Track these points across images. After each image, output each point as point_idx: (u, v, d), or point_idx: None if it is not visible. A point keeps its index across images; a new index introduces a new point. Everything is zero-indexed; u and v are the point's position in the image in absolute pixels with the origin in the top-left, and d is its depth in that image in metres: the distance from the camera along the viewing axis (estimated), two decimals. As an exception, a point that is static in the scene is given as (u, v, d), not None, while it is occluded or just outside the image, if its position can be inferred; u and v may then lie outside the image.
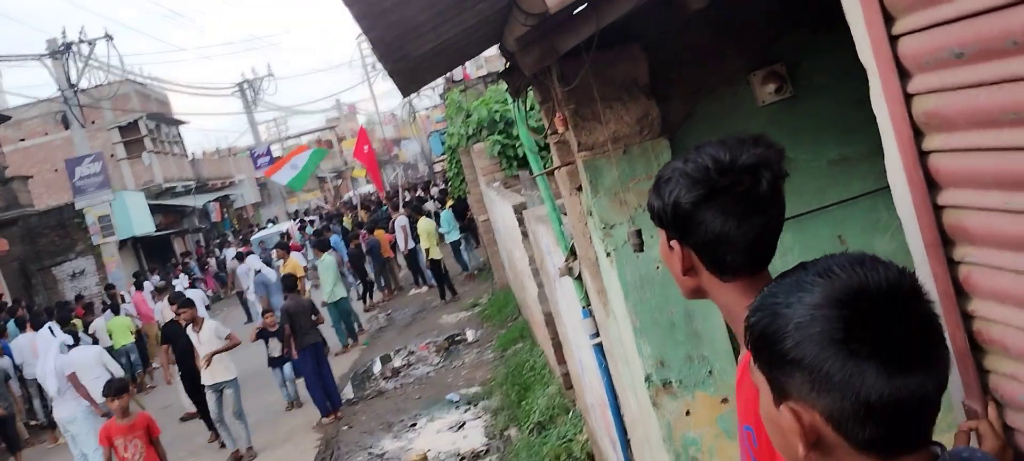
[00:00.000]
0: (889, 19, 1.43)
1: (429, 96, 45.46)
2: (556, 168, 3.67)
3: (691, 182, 1.58)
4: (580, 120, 3.21)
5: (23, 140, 33.32)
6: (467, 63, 20.67)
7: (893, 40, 1.43)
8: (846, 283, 1.12)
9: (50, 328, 11.76)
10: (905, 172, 1.51)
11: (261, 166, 44.16)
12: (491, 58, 24.48)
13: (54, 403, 10.78)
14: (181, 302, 11.05)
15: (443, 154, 25.50)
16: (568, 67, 3.08)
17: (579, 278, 4.46)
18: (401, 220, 20.63)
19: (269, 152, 45.97)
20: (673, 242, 1.67)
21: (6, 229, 25.16)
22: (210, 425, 11.45)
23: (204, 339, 10.60)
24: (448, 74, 20.78)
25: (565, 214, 4.60)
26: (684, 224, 1.61)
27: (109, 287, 22.14)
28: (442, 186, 25.08)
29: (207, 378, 10.67)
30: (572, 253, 4.44)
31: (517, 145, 12.72)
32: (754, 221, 1.57)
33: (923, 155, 1.46)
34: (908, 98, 1.45)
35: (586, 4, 2.52)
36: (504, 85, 13.89)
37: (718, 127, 3.33)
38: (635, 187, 3.31)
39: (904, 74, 1.45)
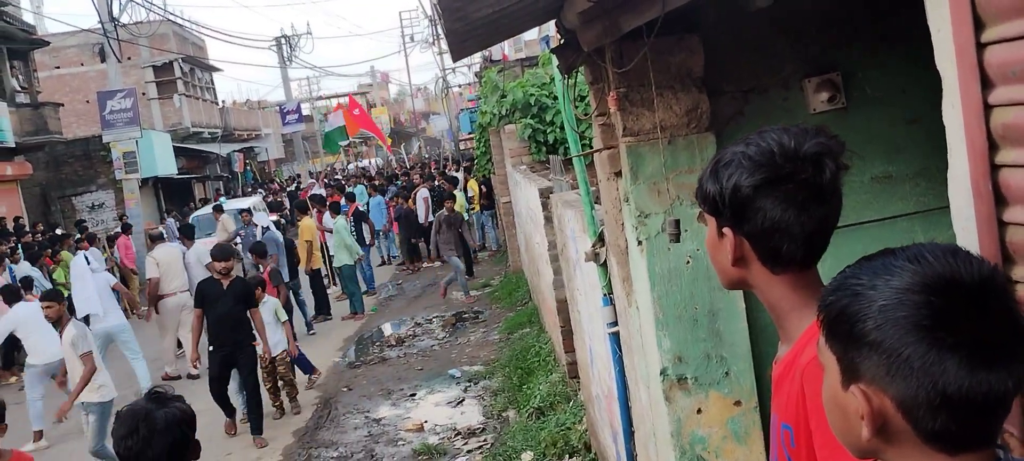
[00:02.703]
0: (978, 26, 1.41)
1: (464, 74, 45.56)
2: (597, 151, 3.66)
3: (754, 166, 1.55)
4: (628, 105, 3.19)
5: (58, 68, 33.54)
6: (506, 44, 20.67)
7: (980, 47, 1.41)
8: (938, 271, 1.11)
9: (86, 257, 12.43)
10: (973, 184, 1.49)
11: (289, 123, 44.30)
12: (530, 42, 24.46)
13: (103, 318, 11.41)
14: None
15: (471, 132, 25.54)
16: (624, 49, 3.06)
17: (604, 265, 4.45)
18: (423, 192, 20.68)
19: (299, 109, 46.10)
20: (725, 229, 1.64)
21: (32, 153, 25.36)
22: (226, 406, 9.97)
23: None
24: (487, 52, 20.78)
25: (598, 202, 4.59)
26: (742, 210, 1.58)
27: (81, 224, 22.41)
28: (468, 165, 25.10)
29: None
30: (600, 239, 4.43)
31: (548, 130, 12.70)
32: (814, 212, 1.55)
33: (994, 169, 1.45)
34: (987, 109, 1.43)
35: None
36: (541, 70, 13.95)
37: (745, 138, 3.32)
38: (676, 179, 3.30)
39: (987, 83, 1.43)
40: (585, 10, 2.61)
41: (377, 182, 24.49)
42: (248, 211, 18.81)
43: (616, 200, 3.70)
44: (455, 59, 4.06)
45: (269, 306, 10.18)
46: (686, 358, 3.52)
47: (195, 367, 10.31)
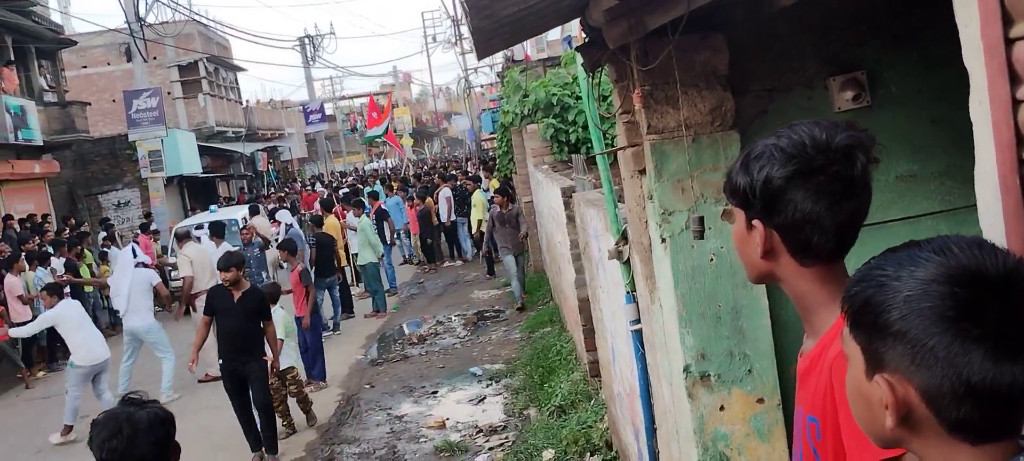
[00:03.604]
0: (1007, 22, 1.42)
1: (486, 74, 45.66)
2: (621, 148, 3.68)
3: (785, 158, 1.56)
4: (653, 102, 3.21)
5: (85, 67, 33.91)
6: (528, 44, 20.69)
7: (1009, 44, 1.42)
8: (964, 263, 1.12)
9: (133, 249, 12.48)
10: (1000, 180, 1.50)
11: (313, 122, 44.58)
12: (552, 42, 24.49)
13: (127, 316, 11.60)
14: None
15: (493, 132, 25.58)
16: (649, 47, 3.08)
17: (627, 263, 4.46)
18: (445, 192, 20.75)
19: (322, 109, 46.39)
20: (755, 222, 1.65)
21: (60, 152, 25.65)
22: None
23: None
24: (509, 52, 20.81)
25: (621, 200, 4.60)
26: (772, 202, 1.59)
27: (106, 222, 22.52)
28: (490, 164, 25.15)
29: None
30: (623, 237, 4.45)
31: (570, 130, 12.71)
32: (845, 204, 1.56)
33: (1022, 164, 1.45)
34: (1016, 104, 1.44)
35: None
36: (563, 70, 13.96)
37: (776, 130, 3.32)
38: (700, 176, 3.31)
39: (1015, 80, 1.44)
40: (611, 8, 2.63)
41: (393, 184, 24.58)
42: (244, 225, 17.01)
43: (640, 198, 3.72)
44: (480, 57, 4.09)
45: (276, 320, 9.44)
46: (709, 355, 3.53)
47: (191, 370, 9.69)
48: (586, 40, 3.69)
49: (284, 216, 21.26)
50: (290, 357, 9.77)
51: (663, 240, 3.47)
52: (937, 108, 3.38)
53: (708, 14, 2.97)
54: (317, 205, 21.17)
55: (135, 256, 12.31)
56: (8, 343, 13.50)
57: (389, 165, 45.93)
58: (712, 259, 3.42)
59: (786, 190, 1.57)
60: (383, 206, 19.94)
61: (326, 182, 37.19)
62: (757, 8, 3.02)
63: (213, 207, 21.28)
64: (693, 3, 2.44)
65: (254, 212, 18.47)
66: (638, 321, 4.58)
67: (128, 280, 11.54)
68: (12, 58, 22.94)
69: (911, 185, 3.46)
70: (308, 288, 11.55)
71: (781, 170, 1.56)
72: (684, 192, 3.36)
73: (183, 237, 13.72)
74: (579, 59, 4.02)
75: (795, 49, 3.35)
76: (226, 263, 9.03)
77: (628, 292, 4.59)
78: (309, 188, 32.13)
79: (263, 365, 8.91)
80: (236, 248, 12.96)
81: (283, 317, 9.80)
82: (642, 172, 3.58)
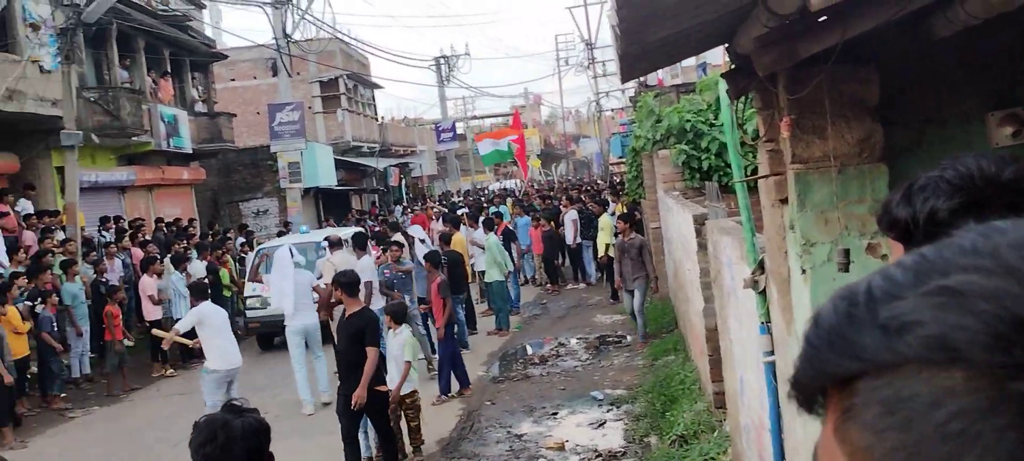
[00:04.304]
0: None
1: (617, 98, 45.63)
2: (762, 177, 3.65)
3: (952, 190, 1.53)
4: (799, 132, 3.18)
5: (233, 80, 35.64)
6: (662, 70, 20.59)
7: None
8: None
9: (291, 249, 12.69)
10: None
11: (444, 141, 45.52)
12: (686, 68, 24.29)
13: (294, 316, 11.58)
14: None
15: (622, 156, 25.51)
16: (799, 75, 3.06)
17: (763, 293, 4.41)
18: (572, 214, 20.81)
19: (453, 128, 47.28)
20: None
21: (206, 160, 27.02)
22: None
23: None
24: (642, 78, 20.76)
25: (759, 229, 4.55)
26: (936, 236, 1.56)
27: (244, 228, 23.31)
28: (618, 187, 25.08)
29: None
30: (759, 267, 4.39)
31: (703, 157, 12.58)
32: None
33: None
34: None
35: (833, 14, 2.50)
36: (698, 96, 13.83)
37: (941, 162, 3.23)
38: (844, 208, 3.25)
39: None
40: (762, 35, 2.63)
41: (524, 204, 24.86)
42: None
43: (780, 227, 3.68)
44: (624, 80, 4.13)
45: (399, 340, 9.07)
46: (847, 392, 3.45)
47: None
48: (732, 67, 3.69)
49: (417, 231, 21.73)
50: (412, 381, 9.14)
51: (803, 271, 3.42)
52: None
53: (860, 44, 2.93)
54: (432, 223, 21.54)
55: (292, 256, 12.31)
56: (115, 343, 14.08)
57: (516, 185, 46.43)
58: (854, 293, 3.34)
59: (951, 223, 1.54)
60: (509, 226, 20.14)
61: (448, 201, 37.75)
62: (913, 39, 2.96)
63: (303, 228, 19.98)
64: (847, 32, 2.42)
65: (358, 243, 14.24)
66: (772, 353, 4.51)
67: (292, 281, 11.57)
68: (168, 70, 24.34)
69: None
70: (446, 300, 11.75)
71: (947, 202, 1.53)
72: (827, 223, 3.31)
73: (335, 244, 13.67)
74: (723, 86, 4.01)
75: (952, 82, 3.26)
76: (333, 279, 8.87)
77: (762, 323, 4.53)
78: (419, 209, 31.91)
79: (378, 394, 8.36)
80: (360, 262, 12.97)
81: (408, 337, 9.22)
82: (784, 201, 3.54)
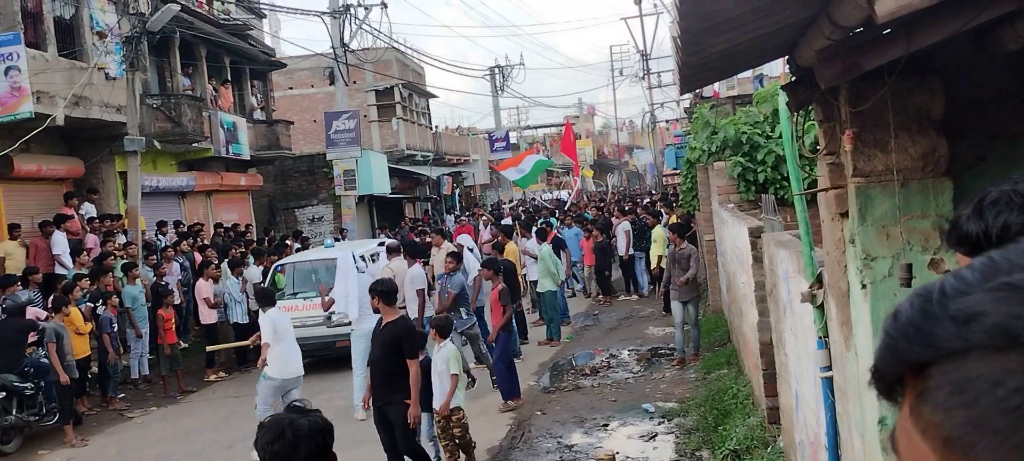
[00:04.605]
0: None
1: (671, 109, 45.40)
2: (822, 190, 3.61)
3: None
4: (861, 145, 3.15)
5: (291, 88, 36.19)
6: (717, 83, 20.44)
7: None
8: None
9: (354, 254, 12.75)
10: None
11: (497, 150, 45.70)
12: (743, 80, 24.07)
13: (358, 320, 11.47)
14: None
15: (677, 168, 25.36)
16: (860, 88, 3.03)
17: (820, 307, 4.35)
18: (624, 225, 20.74)
19: (507, 137, 47.47)
20: None
21: (264, 167, 27.46)
22: None
23: None
24: (698, 89, 20.64)
25: (818, 243, 4.50)
26: None
27: (305, 239, 23.53)
28: (671, 198, 24.93)
29: None
30: (818, 281, 4.34)
31: (759, 169, 12.46)
32: None
33: None
34: None
35: (898, 26, 2.48)
36: (755, 108, 13.70)
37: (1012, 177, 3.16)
38: (906, 222, 3.21)
39: None
40: (824, 48, 2.61)
41: (573, 215, 24.82)
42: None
43: (840, 241, 3.64)
44: (683, 91, 4.12)
45: (443, 354, 8.75)
46: (907, 409, 3.39)
47: None
48: (793, 79, 3.66)
49: (465, 239, 21.84)
50: (457, 397, 8.82)
51: (863, 286, 3.38)
52: None
53: (925, 56, 2.90)
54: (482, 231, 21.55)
55: (355, 261, 12.30)
56: (166, 346, 14.30)
57: (567, 196, 46.41)
58: (916, 309, 3.29)
59: None
60: (559, 235, 20.13)
61: (498, 210, 37.77)
62: (980, 51, 2.92)
63: (329, 241, 19.21)
64: (912, 45, 2.39)
65: (410, 251, 14.14)
66: (829, 368, 4.45)
67: (355, 285, 11.47)
68: (229, 78, 24.80)
69: None
70: (506, 307, 11.82)
71: (1021, 216, 1.50)
72: (889, 238, 3.26)
73: (393, 250, 13.72)
74: (783, 98, 3.98)
75: (1020, 97, 3.20)
76: (371, 287, 8.69)
77: (820, 337, 4.47)
78: (466, 218, 31.50)
79: (406, 409, 8.00)
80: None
81: (453, 351, 8.88)
82: (844, 215, 3.51)
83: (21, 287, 13.43)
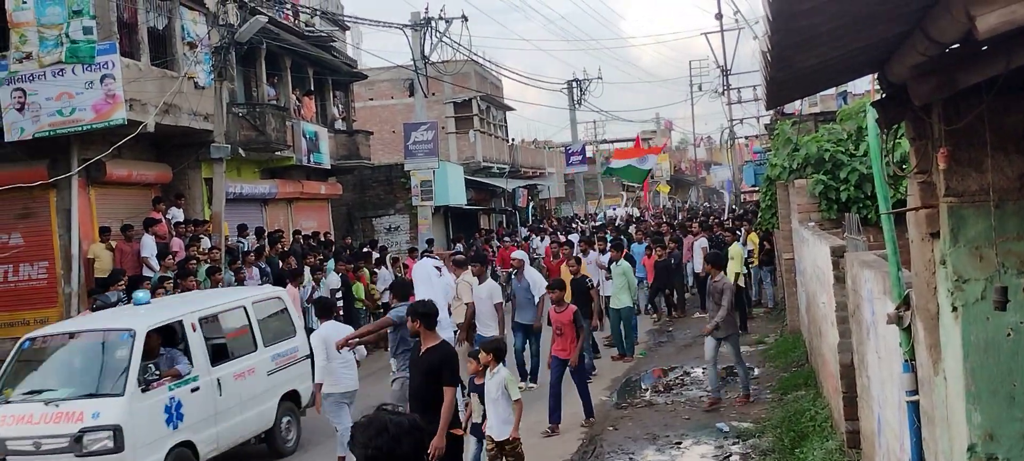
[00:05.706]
0: None
1: (751, 125, 44.83)
2: (912, 209, 3.53)
3: None
4: (955, 164, 3.07)
5: (371, 99, 36.79)
6: (800, 100, 20.14)
7: None
8: None
9: (430, 262, 12.54)
10: None
11: (573, 163, 45.66)
12: (825, 97, 23.65)
13: (441, 326, 10.99)
14: None
15: (756, 185, 24.98)
16: (955, 105, 2.96)
17: (907, 329, 4.25)
18: (701, 241, 20.52)
19: (583, 151, 47.37)
20: None
21: (343, 176, 27.92)
22: None
23: None
24: (779, 106, 20.35)
25: (905, 264, 4.39)
26: None
27: (383, 248, 23.70)
28: (750, 216, 24.57)
29: None
30: (905, 302, 4.24)
31: (841, 188, 12.21)
32: None
33: None
34: None
35: (996, 43, 2.42)
36: (838, 126, 13.43)
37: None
38: (1002, 245, 3.12)
39: None
40: (918, 63, 2.56)
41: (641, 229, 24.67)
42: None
43: (930, 262, 3.55)
44: (769, 107, 4.08)
45: (498, 380, 8.18)
46: (999, 436, 3.30)
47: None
48: (883, 96, 3.59)
49: (519, 255, 21.74)
50: (510, 423, 8.19)
51: (954, 309, 3.29)
52: None
53: (1023, 71, 2.82)
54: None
55: (432, 267, 11.95)
56: None
57: (630, 212, 46.12)
58: (1010, 334, 3.20)
59: None
60: (630, 251, 19.98)
61: (569, 225, 37.61)
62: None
63: (140, 294, 18.26)
64: (1012, 62, 2.33)
65: (459, 266, 13.70)
66: (915, 392, 4.34)
67: (439, 290, 11.14)
68: (312, 88, 25.29)
69: None
70: (579, 330, 11.37)
71: None
72: (982, 260, 3.18)
73: (462, 263, 13.36)
74: (872, 114, 3.91)
75: (1125, 117, 3.09)
76: (409, 310, 8.08)
77: (906, 360, 4.36)
78: (515, 239, 30.42)
79: (452, 440, 7.43)
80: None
81: (509, 376, 8.34)
82: (935, 235, 3.42)
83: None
